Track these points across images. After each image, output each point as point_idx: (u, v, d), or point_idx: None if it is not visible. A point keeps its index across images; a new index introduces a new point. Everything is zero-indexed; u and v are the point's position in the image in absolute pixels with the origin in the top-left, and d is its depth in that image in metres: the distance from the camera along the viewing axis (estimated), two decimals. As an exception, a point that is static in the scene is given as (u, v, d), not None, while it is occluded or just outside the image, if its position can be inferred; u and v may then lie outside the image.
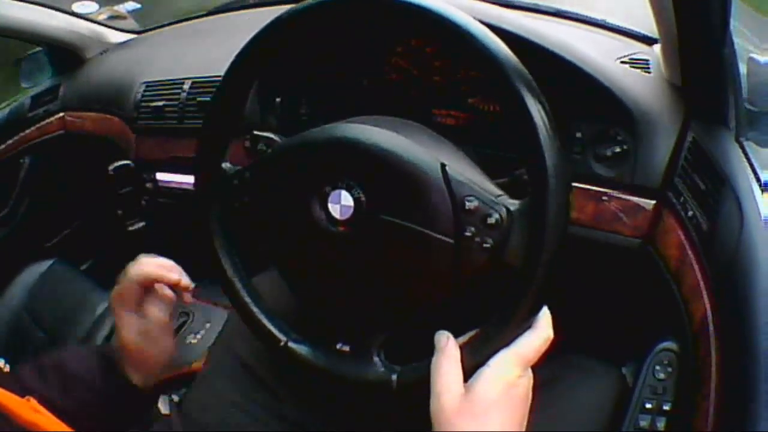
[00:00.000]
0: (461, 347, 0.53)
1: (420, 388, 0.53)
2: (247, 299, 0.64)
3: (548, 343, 0.52)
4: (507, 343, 0.51)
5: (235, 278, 0.64)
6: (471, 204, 0.52)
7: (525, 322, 0.52)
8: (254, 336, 0.64)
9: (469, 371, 0.52)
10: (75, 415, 0.61)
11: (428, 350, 0.55)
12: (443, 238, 0.53)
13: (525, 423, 0.51)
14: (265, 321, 0.63)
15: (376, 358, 0.58)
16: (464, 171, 0.54)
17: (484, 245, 0.52)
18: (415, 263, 0.55)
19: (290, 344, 0.62)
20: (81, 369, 0.66)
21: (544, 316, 0.53)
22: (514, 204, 0.52)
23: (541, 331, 0.52)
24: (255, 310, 0.64)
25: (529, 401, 0.52)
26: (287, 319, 0.64)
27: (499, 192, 0.54)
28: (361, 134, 0.56)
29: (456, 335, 0.55)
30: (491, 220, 0.51)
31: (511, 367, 0.51)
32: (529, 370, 0.53)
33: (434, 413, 0.51)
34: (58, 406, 0.61)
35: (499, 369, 0.51)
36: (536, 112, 0.50)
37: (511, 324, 0.52)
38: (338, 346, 0.60)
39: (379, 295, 0.58)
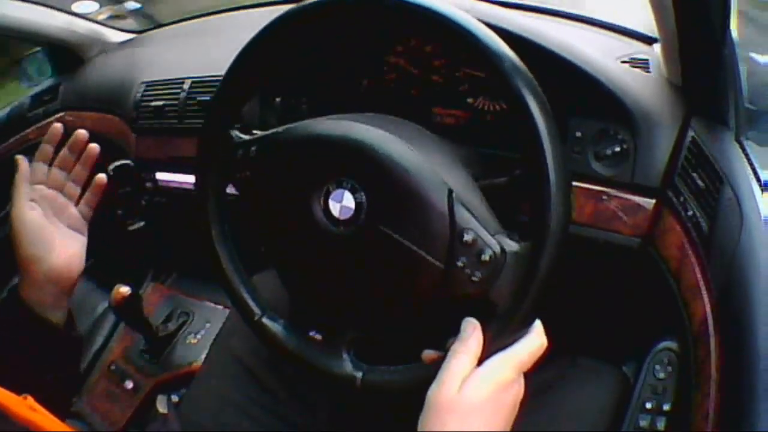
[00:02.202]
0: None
1: (383, 391, 0.54)
2: (230, 268, 0.64)
3: (543, 349, 0.53)
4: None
5: (221, 247, 0.65)
6: (468, 237, 0.52)
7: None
8: (232, 305, 0.65)
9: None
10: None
11: (401, 358, 0.56)
12: (434, 262, 0.53)
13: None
14: (243, 292, 0.64)
15: (345, 354, 0.59)
16: (470, 200, 0.54)
17: (473, 278, 0.52)
18: (402, 278, 0.55)
19: (264, 319, 0.62)
20: None
21: (538, 326, 0.53)
22: (510, 245, 0.52)
23: (538, 336, 0.53)
24: (235, 279, 0.64)
25: (516, 410, 0.52)
26: (268, 298, 0.64)
27: (499, 228, 0.54)
28: (377, 140, 0.56)
29: (427, 348, 0.56)
30: (485, 257, 0.52)
31: (506, 370, 0.51)
32: (522, 379, 0.53)
33: (430, 398, 0.50)
34: None
35: (494, 370, 0.51)
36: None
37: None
38: (311, 333, 0.61)
39: (361, 296, 0.58)
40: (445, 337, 0.55)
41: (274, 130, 0.63)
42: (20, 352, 0.65)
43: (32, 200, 0.68)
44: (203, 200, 0.65)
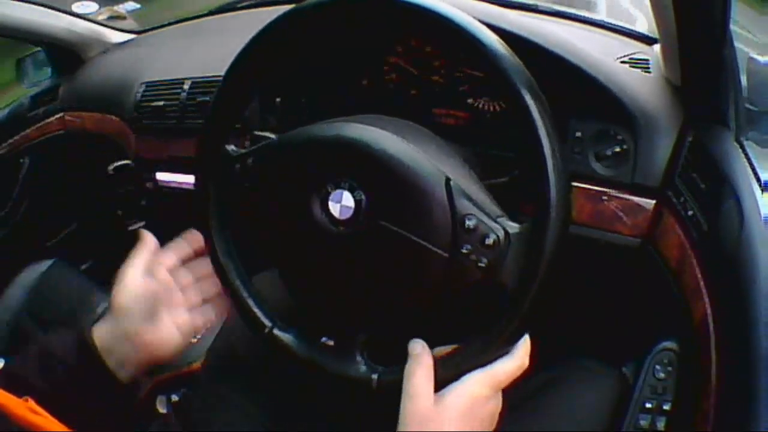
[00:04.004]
0: (439, 358, 0.54)
1: (400, 390, 0.54)
2: (237, 282, 0.64)
3: (521, 371, 0.54)
4: (484, 364, 0.53)
5: (227, 260, 0.64)
6: (471, 222, 0.52)
7: (508, 345, 0.53)
8: (241, 319, 0.64)
9: (442, 383, 0.53)
10: (53, 398, 0.57)
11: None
12: (439, 251, 0.53)
13: None
14: (252, 305, 0.63)
15: (359, 357, 0.59)
16: (468, 187, 0.54)
17: (479, 264, 0.52)
18: (409, 272, 0.55)
19: (275, 331, 0.62)
20: (59, 349, 0.61)
21: (524, 345, 0.54)
22: (513, 227, 0.52)
23: (518, 359, 0.54)
24: (244, 293, 0.64)
25: (494, 424, 0.54)
26: (276, 308, 0.64)
27: (500, 213, 0.54)
28: (371, 137, 0.56)
29: (440, 344, 0.56)
30: (489, 241, 0.52)
31: (482, 387, 0.53)
32: (499, 395, 0.54)
33: (405, 413, 0.53)
34: (35, 385, 0.57)
35: (471, 386, 0.52)
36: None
37: (494, 346, 0.53)
38: (323, 340, 0.61)
39: (368, 296, 0.58)
40: (456, 331, 0.55)
41: (268, 140, 0.64)
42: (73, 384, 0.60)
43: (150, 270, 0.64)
44: (205, 216, 0.65)
